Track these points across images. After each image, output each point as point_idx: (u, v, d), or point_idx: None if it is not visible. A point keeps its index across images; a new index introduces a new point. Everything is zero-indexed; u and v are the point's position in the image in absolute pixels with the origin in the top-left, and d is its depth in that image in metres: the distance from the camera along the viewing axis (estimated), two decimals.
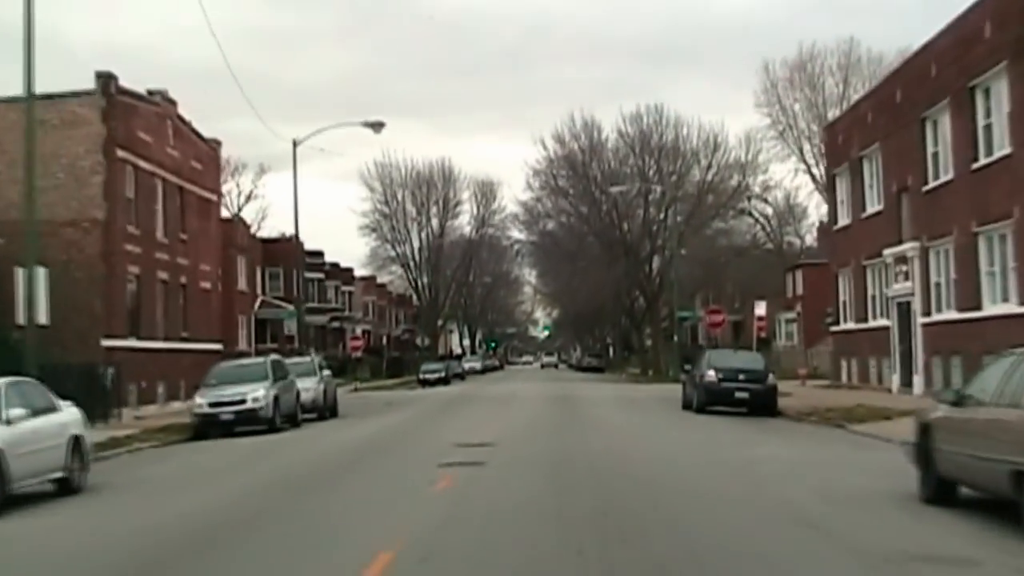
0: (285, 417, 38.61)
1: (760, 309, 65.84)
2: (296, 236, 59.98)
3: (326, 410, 44.43)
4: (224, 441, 34.24)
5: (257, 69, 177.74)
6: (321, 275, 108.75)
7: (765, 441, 27.62)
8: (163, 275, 50.68)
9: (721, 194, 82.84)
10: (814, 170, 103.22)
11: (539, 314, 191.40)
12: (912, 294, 42.71)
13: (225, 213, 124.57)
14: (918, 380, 41.95)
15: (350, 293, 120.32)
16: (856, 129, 50.07)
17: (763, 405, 39.09)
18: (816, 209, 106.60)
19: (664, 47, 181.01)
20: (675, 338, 76.66)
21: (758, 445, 26.28)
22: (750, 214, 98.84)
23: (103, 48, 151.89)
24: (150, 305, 49.17)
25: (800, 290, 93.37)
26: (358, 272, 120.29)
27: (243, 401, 36.61)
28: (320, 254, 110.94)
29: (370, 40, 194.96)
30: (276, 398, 37.47)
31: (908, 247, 42.82)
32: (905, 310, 43.77)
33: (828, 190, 57.34)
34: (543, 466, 21.74)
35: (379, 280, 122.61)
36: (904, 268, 43.59)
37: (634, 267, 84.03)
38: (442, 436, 30.76)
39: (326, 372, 46.08)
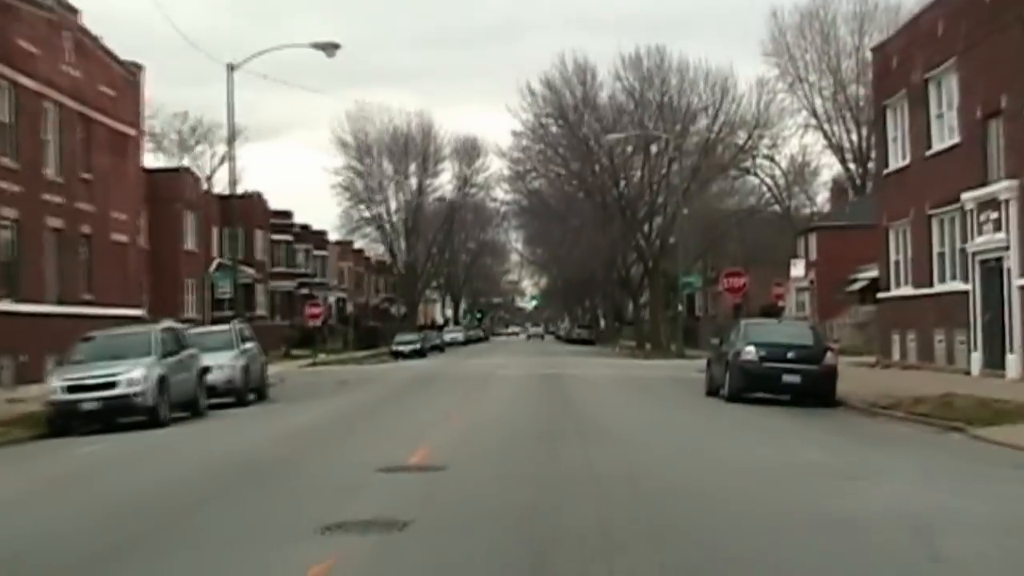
0: (180, 405, 28.23)
1: (797, 268, 55.41)
2: (231, 181, 49.13)
3: (248, 393, 33.91)
4: (71, 442, 23.79)
5: (239, 40, 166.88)
6: (289, 237, 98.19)
7: (879, 464, 16.96)
8: (55, 222, 40.07)
9: (729, 147, 72.23)
10: (827, 126, 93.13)
11: (526, 283, 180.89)
12: (1005, 248, 32.24)
13: (204, 184, 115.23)
14: (1015, 360, 31.53)
15: (323, 258, 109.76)
16: (919, 46, 39.45)
17: (819, 392, 28.81)
18: (829, 169, 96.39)
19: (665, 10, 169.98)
20: (679, 308, 66.23)
21: (875, 474, 15.68)
22: (755, 174, 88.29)
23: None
24: (35, 259, 38.57)
25: (813, 255, 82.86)
26: (333, 237, 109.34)
27: (113, 384, 26.18)
28: (288, 214, 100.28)
29: (355, 9, 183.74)
30: (163, 379, 26.98)
31: (1000, 187, 32.35)
32: (993, 270, 33.31)
33: (876, 126, 46.63)
34: (516, 529, 11.31)
35: (357, 246, 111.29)
36: (992, 215, 33.07)
37: (631, 228, 73.46)
38: (373, 446, 20.37)
39: (248, 345, 35.35)
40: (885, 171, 43.60)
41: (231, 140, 47.32)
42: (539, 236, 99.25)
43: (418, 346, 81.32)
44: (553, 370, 49.39)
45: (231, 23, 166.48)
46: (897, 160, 42.07)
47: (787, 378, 28.92)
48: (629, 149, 71.59)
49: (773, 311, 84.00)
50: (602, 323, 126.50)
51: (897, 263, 42.59)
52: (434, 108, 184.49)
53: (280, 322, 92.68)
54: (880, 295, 45.07)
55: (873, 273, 72.11)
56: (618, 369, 51.22)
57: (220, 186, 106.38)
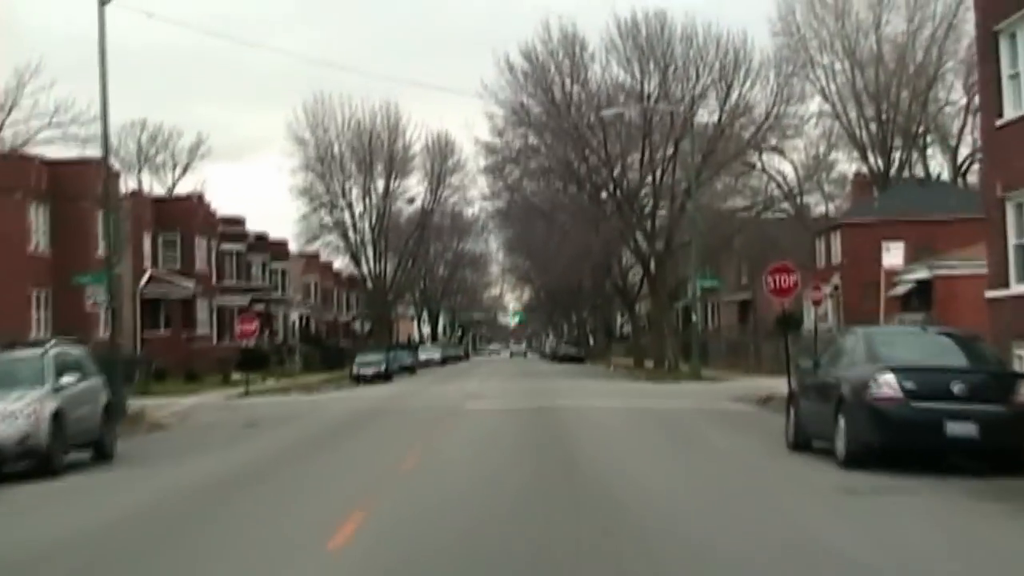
0: None
1: (893, 254, 42.98)
2: (104, 155, 36.15)
3: (60, 453, 20.81)
4: None
5: (221, 56, 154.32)
6: (241, 247, 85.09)
7: None
8: None
9: (741, 131, 59.54)
10: (843, 115, 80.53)
11: (508, 297, 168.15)
12: None
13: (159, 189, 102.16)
14: None
15: (283, 271, 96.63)
16: None
17: (1008, 449, 16.30)
18: (844, 164, 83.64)
19: None
20: (693, 318, 53.38)
21: None
22: (763, 169, 75.46)
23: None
24: None
25: (837, 258, 70.18)
26: (301, 249, 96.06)
27: None
28: (239, 221, 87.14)
29: (334, 21, 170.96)
30: None
31: None
32: None
33: (983, 63, 33.47)
34: None
35: (321, 257, 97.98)
36: None
37: (629, 226, 60.63)
38: None
39: (68, 379, 21.91)
40: (998, 122, 30.71)
41: (104, 111, 34.34)
42: (521, 240, 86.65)
43: (382, 368, 68.37)
44: (542, 401, 36.51)
45: (211, 42, 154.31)
46: (1018, 106, 29.30)
47: (954, 428, 16.24)
48: (627, 130, 58.73)
49: (791, 321, 71.47)
50: (590, 339, 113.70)
51: (1021, 248, 29.74)
52: (402, 101, 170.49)
53: (229, 343, 79.56)
54: (991, 294, 32.20)
55: (921, 274, 59.66)
56: (625, 397, 38.40)
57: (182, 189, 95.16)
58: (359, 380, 67.40)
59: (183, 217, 71.56)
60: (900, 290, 60.22)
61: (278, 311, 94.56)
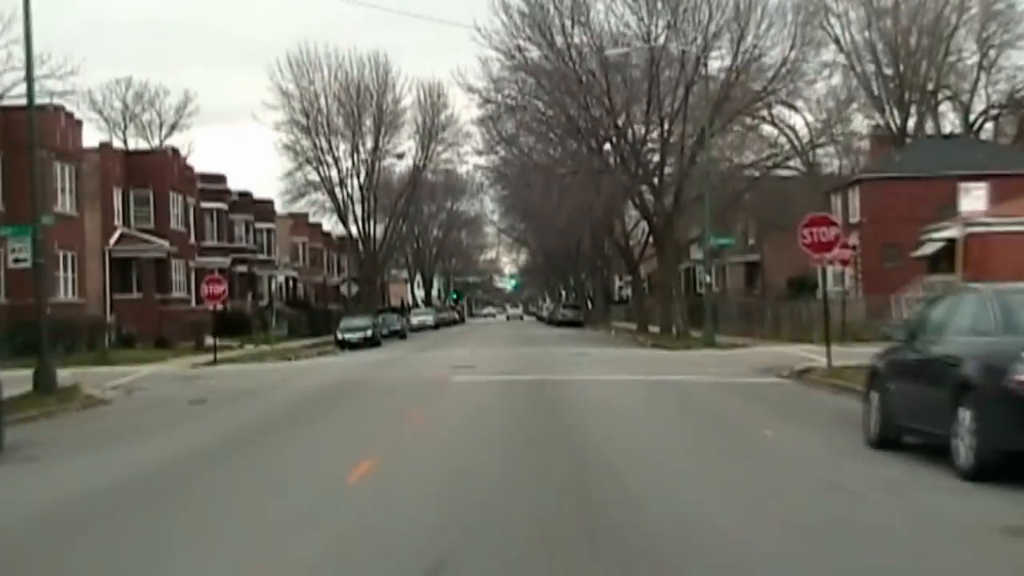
0: None
1: (975, 201, 37.87)
2: (29, 102, 30.79)
3: None
4: None
5: (215, 24, 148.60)
6: (222, 205, 79.74)
7: None
8: None
9: (761, 74, 54.12)
10: (859, 66, 75.13)
11: (504, 260, 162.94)
12: None
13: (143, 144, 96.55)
14: None
15: (269, 231, 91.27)
16: None
17: None
18: (862, 120, 77.99)
19: None
20: (708, 279, 48.06)
21: None
22: (773, 122, 69.96)
23: None
24: None
25: (856, 215, 64.89)
26: (287, 208, 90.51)
27: None
28: (220, 178, 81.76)
29: None
30: None
31: None
32: None
33: None
34: None
35: (303, 214, 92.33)
36: None
37: (635, 179, 55.29)
38: None
39: None
40: None
41: (28, 38, 28.98)
42: (517, 198, 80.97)
43: (369, 333, 63.32)
44: (544, 373, 31.23)
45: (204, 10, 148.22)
46: None
47: None
48: (632, 77, 53.29)
49: (807, 285, 66.23)
50: (588, 303, 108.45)
51: None
52: (392, 53, 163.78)
53: (203, 305, 74.33)
54: None
55: (951, 232, 54.49)
56: (635, 367, 33.17)
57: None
58: (344, 346, 62.41)
59: (156, 172, 66.21)
60: (928, 250, 55.00)
61: (262, 273, 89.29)
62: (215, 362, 45.52)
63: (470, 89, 56.35)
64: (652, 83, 51.87)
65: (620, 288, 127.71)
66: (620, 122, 53.39)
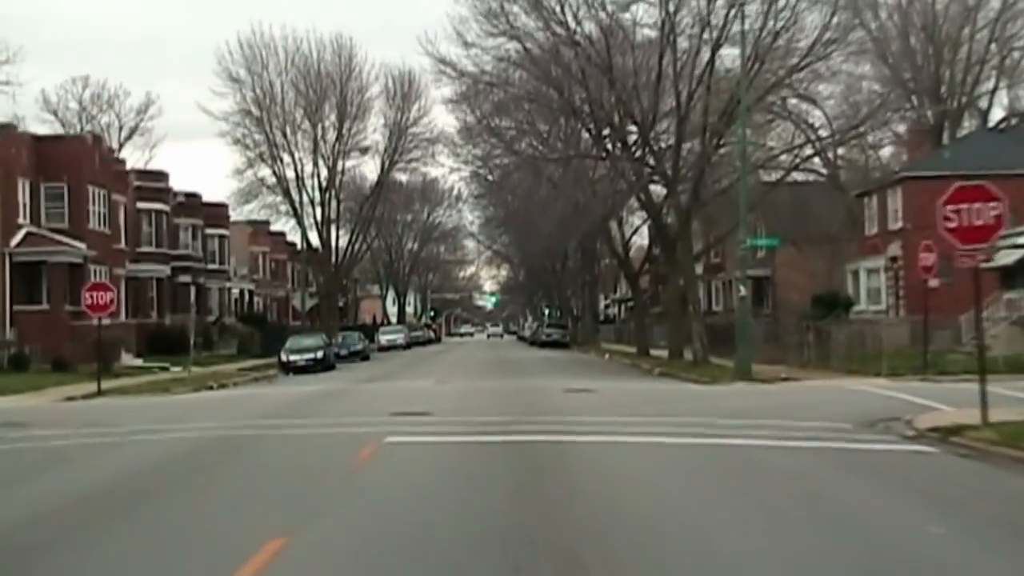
0: None
1: None
2: None
3: None
4: None
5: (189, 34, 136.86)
6: (162, 206, 67.92)
7: None
8: None
9: (795, 45, 42.68)
10: (889, 53, 63.76)
11: (484, 276, 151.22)
12: None
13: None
14: None
15: (222, 238, 79.38)
16: None
17: None
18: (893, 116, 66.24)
19: None
20: (742, 291, 36.24)
21: None
22: (788, 117, 58.21)
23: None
24: None
25: (898, 221, 53.49)
26: (238, 211, 78.40)
27: None
28: (160, 175, 70.03)
29: None
30: None
31: None
32: None
33: None
34: None
35: (258, 219, 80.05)
36: None
37: (642, 169, 43.79)
38: None
39: None
40: None
41: None
42: (497, 202, 69.48)
43: (319, 355, 51.70)
44: (529, 427, 19.48)
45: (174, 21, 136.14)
46: None
47: None
48: (642, 35, 41.82)
49: (839, 302, 54.72)
50: (572, 322, 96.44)
51: None
52: (357, 36, 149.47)
53: (140, 319, 62.67)
54: None
55: None
56: (668, 417, 21.42)
57: (131, 163, 77.52)
58: (289, 370, 50.85)
59: (72, 163, 54.29)
60: (1008, 259, 43.54)
61: (212, 285, 77.44)
62: (99, 393, 33.83)
63: (442, 62, 44.54)
64: (666, 45, 40.25)
65: (606, 307, 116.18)
66: (625, 97, 41.71)
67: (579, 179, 47.71)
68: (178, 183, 72.94)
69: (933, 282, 34.86)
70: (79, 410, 28.46)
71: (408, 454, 16.12)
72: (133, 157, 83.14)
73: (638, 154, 43.74)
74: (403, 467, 14.65)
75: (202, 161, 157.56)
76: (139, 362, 54.45)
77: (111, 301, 35.65)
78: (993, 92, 65.52)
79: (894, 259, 53.49)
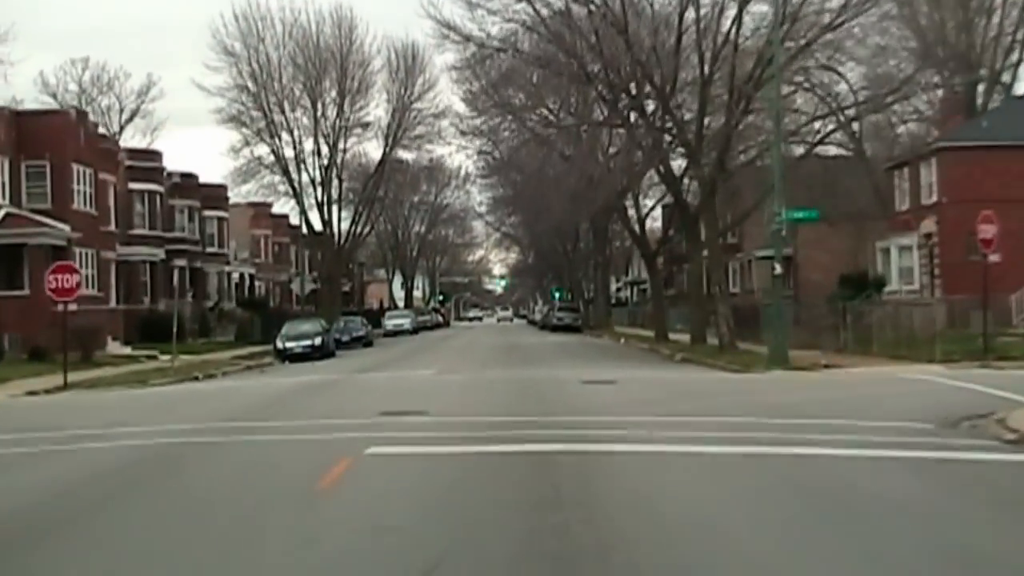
0: None
1: None
2: None
3: None
4: None
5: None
6: (155, 187, 64.39)
7: None
8: None
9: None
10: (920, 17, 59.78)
11: (493, 259, 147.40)
12: None
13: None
14: None
15: (220, 220, 75.81)
16: None
17: None
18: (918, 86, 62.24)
19: None
20: (777, 268, 32.47)
21: None
22: (812, 89, 54.22)
23: None
24: None
25: (933, 195, 49.66)
26: (236, 191, 74.60)
27: None
28: (154, 154, 66.58)
29: None
30: None
31: None
32: None
33: None
34: None
35: (254, 199, 76.05)
36: None
37: (660, 138, 40.03)
38: None
39: None
40: None
41: None
42: (506, 182, 65.67)
43: (317, 341, 48.13)
44: (547, 429, 15.77)
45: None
46: None
47: None
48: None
49: (869, 283, 50.99)
50: (583, 305, 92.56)
51: None
52: (358, 7, 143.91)
53: (132, 305, 59.14)
54: None
55: None
56: (710, 416, 17.65)
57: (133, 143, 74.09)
58: (285, 357, 47.28)
59: (55, 139, 50.61)
60: None
61: (211, 269, 73.89)
62: (65, 386, 30.26)
63: (445, 25, 40.65)
64: (688, 1, 36.41)
65: (618, 290, 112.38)
66: (643, 59, 37.85)
67: (592, 151, 43.92)
68: (183, 168, 69.41)
69: (994, 257, 31.00)
70: (32, 407, 24.93)
71: (390, 474, 12.46)
72: (135, 141, 79.79)
73: (657, 124, 39.89)
74: (379, 497, 11.00)
75: (207, 147, 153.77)
76: (127, 350, 50.86)
77: (77, 285, 32.00)
78: (1017, 64, 61.63)
79: (928, 236, 49.68)
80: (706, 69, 37.36)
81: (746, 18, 36.46)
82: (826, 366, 29.56)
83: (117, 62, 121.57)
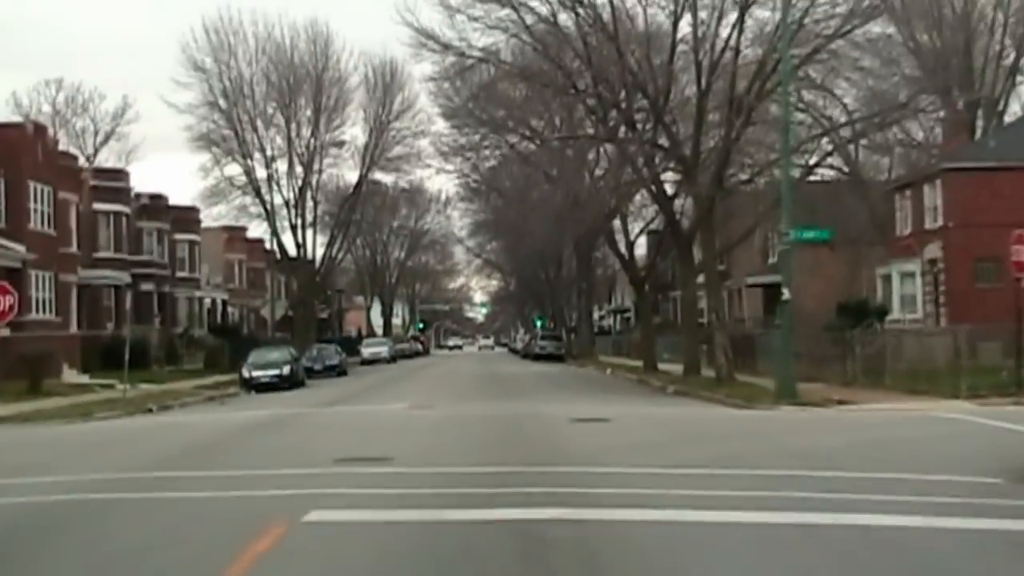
0: None
1: None
2: None
3: None
4: None
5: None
6: (121, 207, 61.12)
7: None
8: None
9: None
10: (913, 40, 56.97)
11: (474, 285, 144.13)
12: None
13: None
14: None
15: (192, 244, 72.53)
16: None
17: None
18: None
19: None
20: (786, 294, 29.31)
21: None
22: (805, 110, 51.18)
23: None
24: None
25: (938, 219, 46.68)
26: (207, 213, 71.17)
27: None
28: (120, 173, 63.31)
29: None
30: None
31: None
32: None
33: None
34: None
35: (224, 222, 72.57)
36: None
37: (652, 154, 37.02)
38: None
39: None
40: None
41: None
42: (487, 205, 62.54)
43: (285, 370, 44.82)
44: (540, 486, 12.60)
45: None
46: None
47: None
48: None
49: (869, 310, 48.00)
50: (566, 333, 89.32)
51: None
52: (334, 21, 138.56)
53: (94, 331, 55.70)
54: None
55: None
56: (734, 469, 14.48)
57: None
58: (250, 387, 43.91)
59: (8, 154, 47.35)
60: None
61: (181, 294, 70.54)
62: None
63: (422, 33, 37.50)
64: (684, 4, 33.42)
65: (601, 317, 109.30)
66: (635, 67, 34.80)
67: (579, 170, 40.88)
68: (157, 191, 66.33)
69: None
70: None
71: (328, 556, 9.25)
72: (109, 164, 76.38)
73: (649, 138, 36.81)
74: None
75: (184, 172, 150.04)
76: (84, 379, 47.41)
77: (11, 308, 28.69)
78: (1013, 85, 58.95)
79: (932, 261, 46.70)
80: (703, 79, 34.29)
81: (748, 22, 33.39)
82: (839, 401, 26.46)
83: (92, 83, 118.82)
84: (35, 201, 49.17)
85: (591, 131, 40.90)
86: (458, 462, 15.29)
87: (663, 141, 36.14)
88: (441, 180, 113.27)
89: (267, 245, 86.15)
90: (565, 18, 35.97)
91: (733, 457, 15.29)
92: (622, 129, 37.72)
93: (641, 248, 69.61)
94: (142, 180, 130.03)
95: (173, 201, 68.67)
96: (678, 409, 27.01)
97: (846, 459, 15.16)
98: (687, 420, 23.06)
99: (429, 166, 66.33)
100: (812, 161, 48.33)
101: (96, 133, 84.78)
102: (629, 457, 15.46)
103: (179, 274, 70.21)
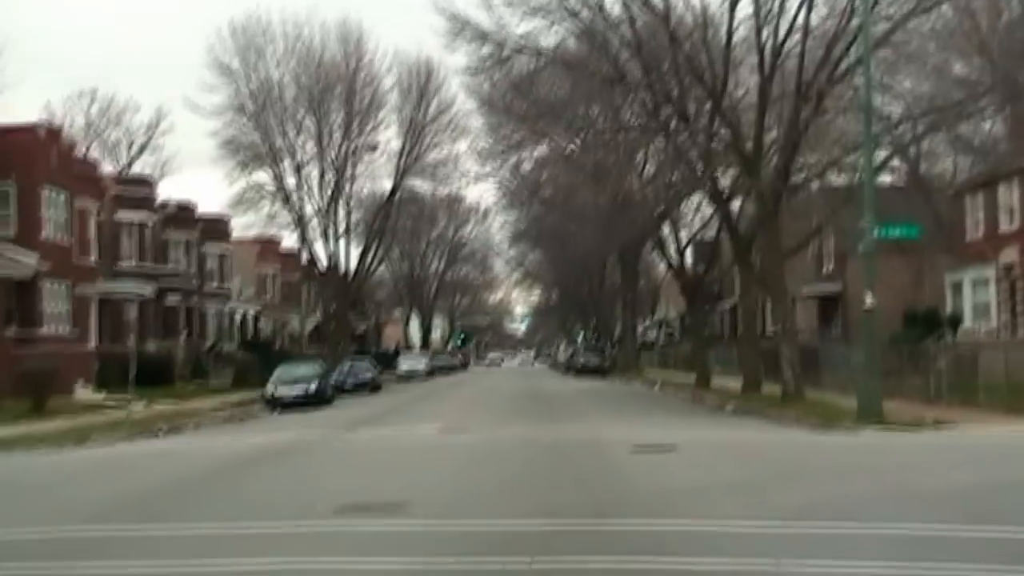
0: None
1: None
2: None
3: None
4: None
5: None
6: (145, 216, 57.93)
7: None
8: None
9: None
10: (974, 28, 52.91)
11: (515, 299, 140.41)
12: None
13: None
14: None
15: (222, 256, 69.28)
16: None
17: None
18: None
19: None
20: (869, 300, 25.32)
21: None
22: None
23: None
24: None
25: (1015, 222, 42.63)
26: (236, 224, 67.81)
27: None
28: (145, 182, 60.19)
29: None
30: None
31: None
32: None
33: None
34: None
35: (253, 231, 69.12)
36: None
37: (708, 147, 33.31)
38: None
39: None
40: None
41: None
42: (528, 215, 58.97)
43: (311, 387, 41.30)
44: None
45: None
46: None
47: None
48: None
49: (935, 320, 44.10)
50: (610, 346, 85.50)
51: None
52: (366, 21, 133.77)
53: (115, 345, 52.40)
54: None
55: None
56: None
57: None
58: (275, 406, 40.39)
59: (21, 159, 44.30)
60: None
61: (211, 308, 67.34)
62: None
63: (458, 19, 34.04)
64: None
65: (646, 329, 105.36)
66: (691, 53, 31.11)
67: (626, 169, 37.19)
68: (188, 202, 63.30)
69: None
70: None
71: None
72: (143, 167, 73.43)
73: (707, 127, 33.08)
74: None
75: (218, 183, 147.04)
76: (99, 396, 44.11)
77: None
78: None
79: (1009, 267, 42.68)
80: (766, 64, 30.54)
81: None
82: (937, 422, 22.62)
83: (126, 94, 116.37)
84: (49, 209, 46.01)
85: (642, 123, 37.13)
86: (492, 512, 11.68)
87: (723, 133, 32.35)
88: (480, 190, 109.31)
89: (300, 257, 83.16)
90: (611, 1, 32.35)
91: (852, 505, 11.57)
92: (675, 121, 34.00)
93: (688, 258, 65.91)
94: (176, 193, 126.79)
95: (196, 204, 65.52)
96: (750, 433, 23.22)
97: (995, 500, 11.44)
98: (768, 447, 19.33)
99: (467, 173, 62.86)
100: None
101: (130, 145, 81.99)
102: (719, 504, 11.79)
103: (209, 286, 67.07)
